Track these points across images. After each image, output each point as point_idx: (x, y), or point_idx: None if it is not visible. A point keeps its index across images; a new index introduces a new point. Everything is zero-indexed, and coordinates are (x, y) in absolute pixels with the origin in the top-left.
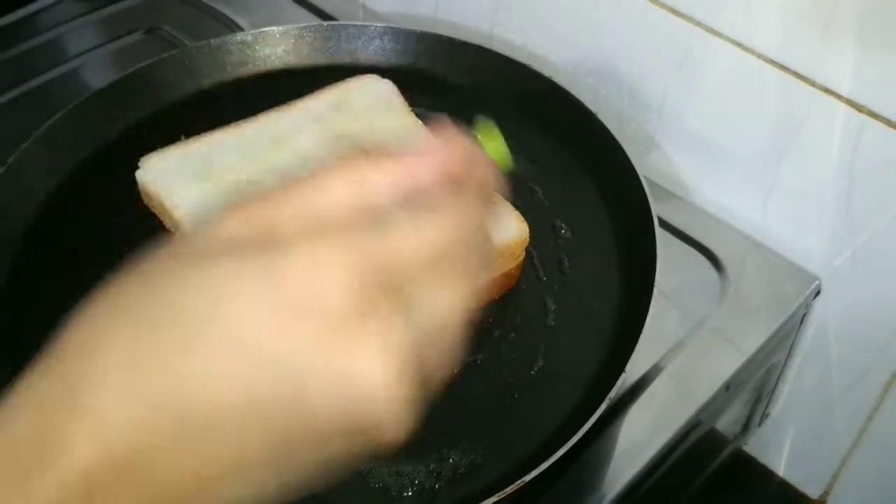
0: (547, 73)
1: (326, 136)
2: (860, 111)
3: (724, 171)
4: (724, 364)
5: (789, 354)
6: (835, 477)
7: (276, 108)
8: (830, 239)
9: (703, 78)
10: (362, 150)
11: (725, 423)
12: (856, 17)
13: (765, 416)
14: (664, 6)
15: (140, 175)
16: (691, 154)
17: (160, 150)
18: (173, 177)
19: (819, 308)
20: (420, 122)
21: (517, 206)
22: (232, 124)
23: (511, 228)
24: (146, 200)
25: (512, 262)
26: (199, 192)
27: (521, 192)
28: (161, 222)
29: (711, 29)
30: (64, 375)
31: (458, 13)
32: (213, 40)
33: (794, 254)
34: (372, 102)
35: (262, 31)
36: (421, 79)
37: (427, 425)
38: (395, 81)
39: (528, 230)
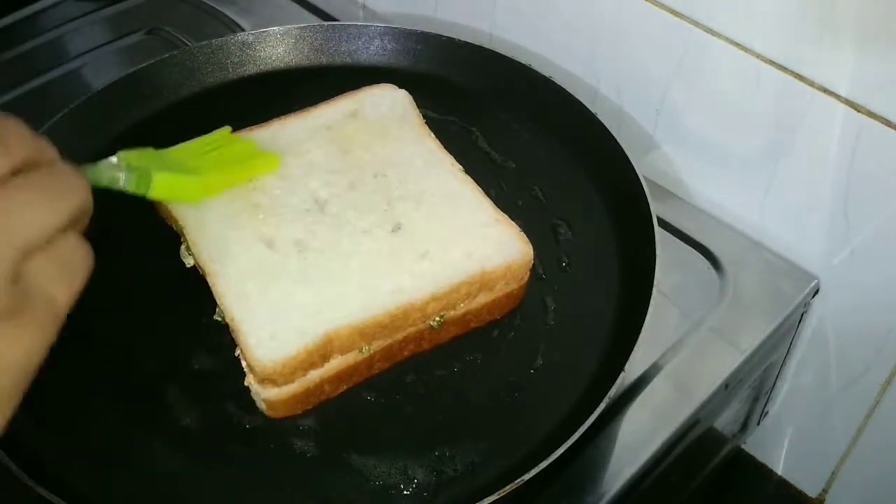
0: (547, 73)
1: (338, 145)
2: (859, 111)
3: (722, 171)
4: (722, 363)
5: (788, 353)
6: (833, 475)
7: (289, 115)
8: (829, 238)
9: (702, 78)
10: None
11: (724, 422)
12: (854, 18)
13: (763, 414)
14: (664, 6)
15: None
16: (690, 154)
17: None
18: None
19: (817, 307)
20: (431, 133)
21: (517, 206)
22: (244, 129)
23: (515, 249)
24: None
25: (515, 284)
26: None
27: (521, 191)
28: (163, 223)
29: (710, 29)
30: None
31: (458, 13)
32: (213, 41)
33: (793, 253)
34: (386, 112)
35: (263, 32)
36: (421, 79)
37: (427, 424)
38: (394, 82)
39: (532, 252)
